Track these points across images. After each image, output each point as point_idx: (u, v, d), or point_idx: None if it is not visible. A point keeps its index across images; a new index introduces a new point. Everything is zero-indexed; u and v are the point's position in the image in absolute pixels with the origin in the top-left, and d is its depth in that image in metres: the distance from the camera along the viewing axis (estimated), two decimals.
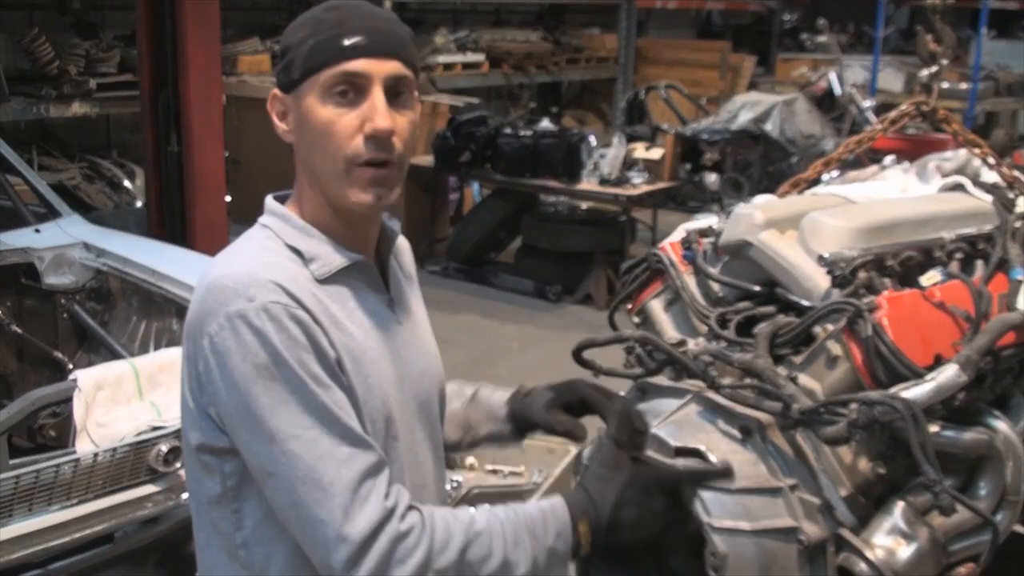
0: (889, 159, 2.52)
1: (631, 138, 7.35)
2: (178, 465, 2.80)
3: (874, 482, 1.61)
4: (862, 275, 1.76)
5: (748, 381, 1.65)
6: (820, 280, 1.81)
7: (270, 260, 1.33)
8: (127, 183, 7.02)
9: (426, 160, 7.22)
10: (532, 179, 6.81)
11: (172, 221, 4.93)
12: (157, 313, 3.51)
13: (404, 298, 1.51)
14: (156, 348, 3.42)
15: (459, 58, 9.40)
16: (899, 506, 1.61)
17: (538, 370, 5.28)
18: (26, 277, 3.68)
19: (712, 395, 1.66)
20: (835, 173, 2.54)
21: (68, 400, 2.69)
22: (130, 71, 6.43)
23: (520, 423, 1.60)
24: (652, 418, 1.61)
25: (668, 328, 2.01)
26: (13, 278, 3.70)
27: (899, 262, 1.85)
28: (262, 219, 1.42)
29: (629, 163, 6.82)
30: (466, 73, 9.44)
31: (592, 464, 1.43)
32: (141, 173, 6.36)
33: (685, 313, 2.00)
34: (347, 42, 1.31)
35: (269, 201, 1.43)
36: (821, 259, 1.80)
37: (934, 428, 1.63)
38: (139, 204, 6.58)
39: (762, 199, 2.29)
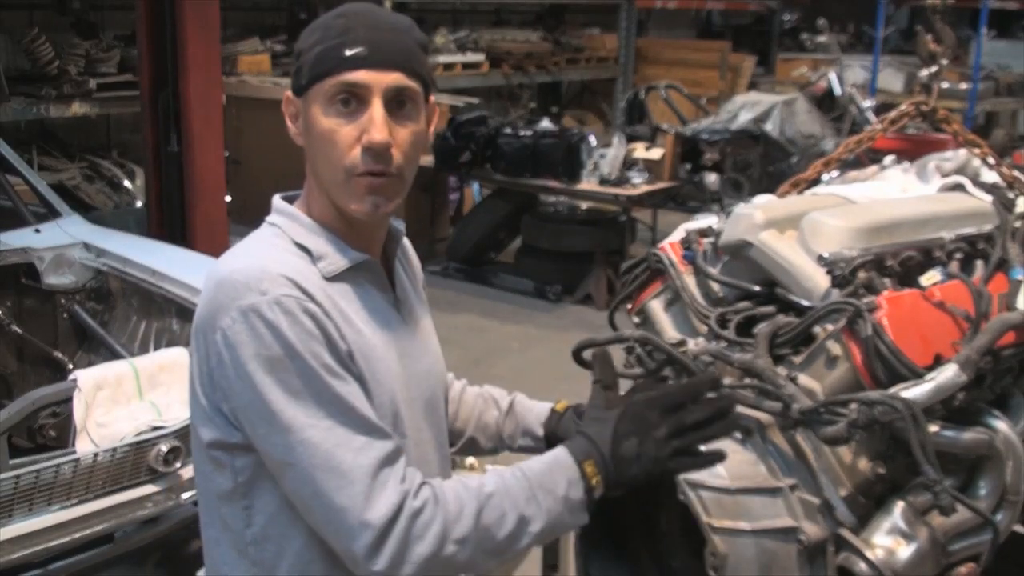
0: (889, 159, 2.52)
1: (631, 138, 7.34)
2: (178, 465, 2.80)
3: (874, 482, 1.61)
4: (862, 275, 1.76)
5: (748, 381, 1.65)
6: (820, 280, 1.81)
7: (279, 256, 1.34)
8: (127, 183, 7.01)
9: (426, 160, 7.21)
10: (532, 179, 6.81)
11: (172, 221, 4.92)
12: (157, 313, 3.51)
13: (409, 298, 1.52)
14: (156, 348, 3.41)
15: (459, 58, 9.40)
16: (899, 506, 1.62)
17: (538, 370, 5.28)
18: (26, 277, 3.68)
19: None
20: (835, 173, 2.54)
21: (68, 400, 2.68)
22: (130, 71, 6.43)
23: (553, 444, 1.62)
24: None
25: (668, 328, 2.01)
26: (13, 278, 3.69)
27: (899, 262, 1.85)
28: (270, 218, 1.43)
29: (629, 163, 6.81)
30: (466, 73, 9.44)
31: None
32: (141, 173, 6.35)
33: (685, 313, 2.00)
34: (348, 52, 1.32)
35: (277, 201, 1.44)
36: (821, 259, 1.80)
37: (934, 428, 1.63)
38: (139, 204, 6.57)
39: (762, 199, 2.29)
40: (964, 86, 10.07)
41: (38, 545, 2.56)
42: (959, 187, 2.23)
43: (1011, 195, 2.22)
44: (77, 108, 6.46)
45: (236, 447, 1.32)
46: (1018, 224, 2.08)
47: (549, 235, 6.91)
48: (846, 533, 1.57)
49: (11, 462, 2.56)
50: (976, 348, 1.65)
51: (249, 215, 1.53)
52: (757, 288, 1.93)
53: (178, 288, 3.33)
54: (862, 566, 1.55)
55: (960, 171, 2.35)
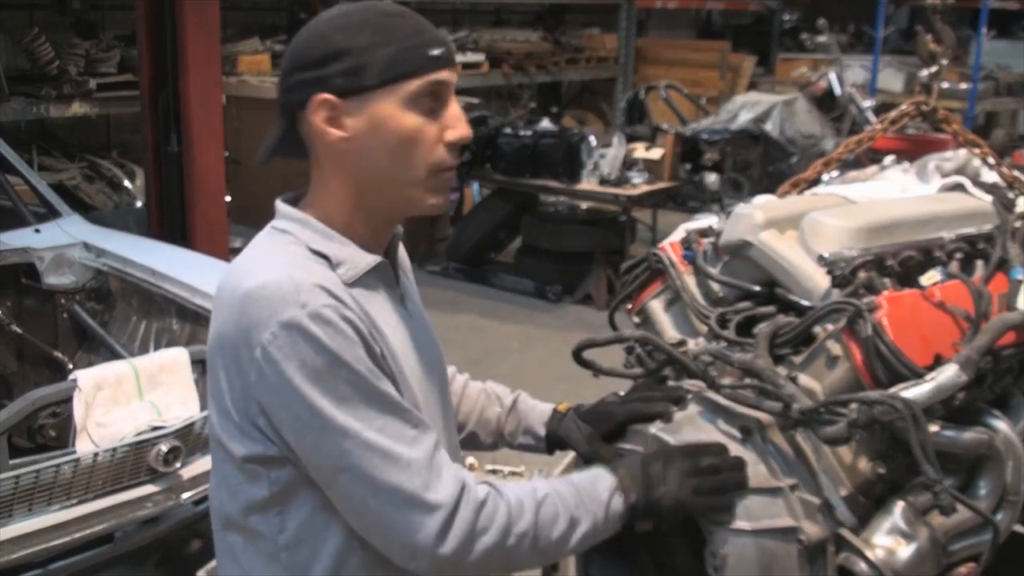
0: (889, 159, 2.52)
1: (631, 138, 7.34)
2: (178, 465, 2.80)
3: (874, 482, 1.61)
4: (862, 275, 1.76)
5: (748, 381, 1.65)
6: (820, 280, 1.81)
7: (303, 264, 1.34)
8: (127, 183, 7.00)
9: None
10: (532, 179, 6.81)
11: (172, 221, 4.92)
12: (157, 313, 3.51)
13: (410, 290, 1.54)
14: (156, 348, 3.42)
15: (459, 58, 9.35)
16: (899, 506, 1.61)
17: (538, 370, 5.28)
18: (26, 277, 3.68)
19: (712, 395, 1.66)
20: (835, 173, 2.54)
21: (68, 400, 2.68)
22: (130, 71, 6.42)
23: (554, 444, 1.67)
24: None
25: (668, 328, 2.01)
26: (13, 278, 3.70)
27: (899, 262, 1.85)
28: (277, 224, 1.41)
29: (629, 163, 6.81)
30: (466, 73, 9.43)
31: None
32: (141, 173, 6.35)
33: (685, 313, 2.00)
34: (433, 52, 1.36)
35: (282, 206, 1.42)
36: (821, 259, 1.80)
37: (934, 428, 1.63)
38: (139, 204, 6.56)
39: (762, 199, 2.29)
40: (964, 86, 10.07)
41: (38, 545, 2.56)
42: (959, 187, 2.23)
43: (1011, 195, 2.22)
44: (77, 108, 6.45)
45: (274, 460, 1.32)
46: (1018, 224, 2.08)
47: (549, 235, 6.91)
48: (846, 533, 1.57)
49: (11, 462, 2.56)
50: (976, 348, 1.65)
51: (249, 215, 1.53)
52: (757, 288, 1.93)
53: (178, 288, 3.34)
54: (862, 566, 1.55)
55: (960, 171, 2.35)
